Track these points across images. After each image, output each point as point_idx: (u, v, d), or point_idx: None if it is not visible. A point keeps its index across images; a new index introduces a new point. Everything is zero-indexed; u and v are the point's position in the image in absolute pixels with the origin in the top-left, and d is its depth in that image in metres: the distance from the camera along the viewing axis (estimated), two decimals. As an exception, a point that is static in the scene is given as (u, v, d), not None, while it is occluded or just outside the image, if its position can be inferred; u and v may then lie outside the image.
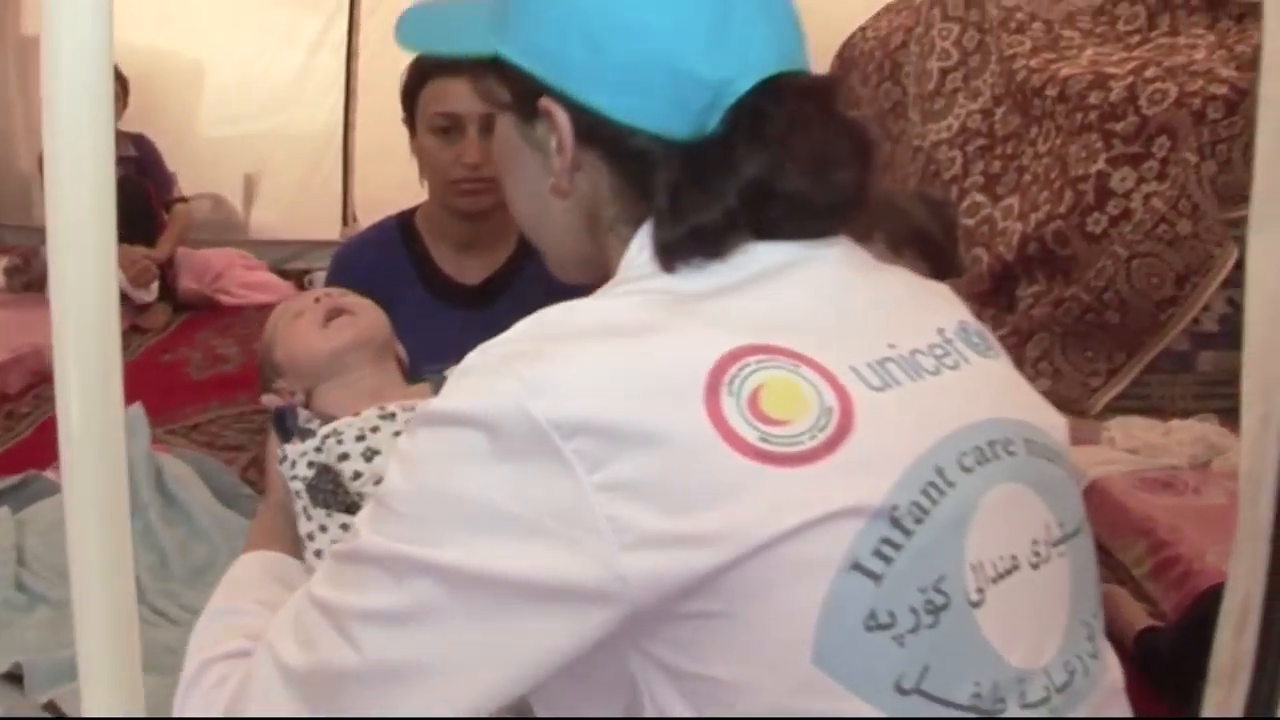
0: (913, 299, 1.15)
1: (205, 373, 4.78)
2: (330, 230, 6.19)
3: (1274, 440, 0.88)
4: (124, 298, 5.04)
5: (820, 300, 1.05)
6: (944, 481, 0.96)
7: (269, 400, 1.77)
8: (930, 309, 1.14)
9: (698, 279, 1.05)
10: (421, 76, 2.28)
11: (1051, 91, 3.66)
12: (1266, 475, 0.89)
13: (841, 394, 0.96)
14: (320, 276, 5.75)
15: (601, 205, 1.13)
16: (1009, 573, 0.98)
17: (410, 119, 2.34)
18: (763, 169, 1.04)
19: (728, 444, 0.90)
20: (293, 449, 1.57)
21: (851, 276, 1.10)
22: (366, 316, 1.81)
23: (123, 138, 5.05)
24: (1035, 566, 1.01)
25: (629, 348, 0.95)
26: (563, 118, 1.09)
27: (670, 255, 1.05)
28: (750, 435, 0.91)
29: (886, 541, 0.92)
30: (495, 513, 0.92)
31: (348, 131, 6.26)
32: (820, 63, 4.92)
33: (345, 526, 1.47)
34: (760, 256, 1.06)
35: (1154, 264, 3.42)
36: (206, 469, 2.86)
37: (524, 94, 1.13)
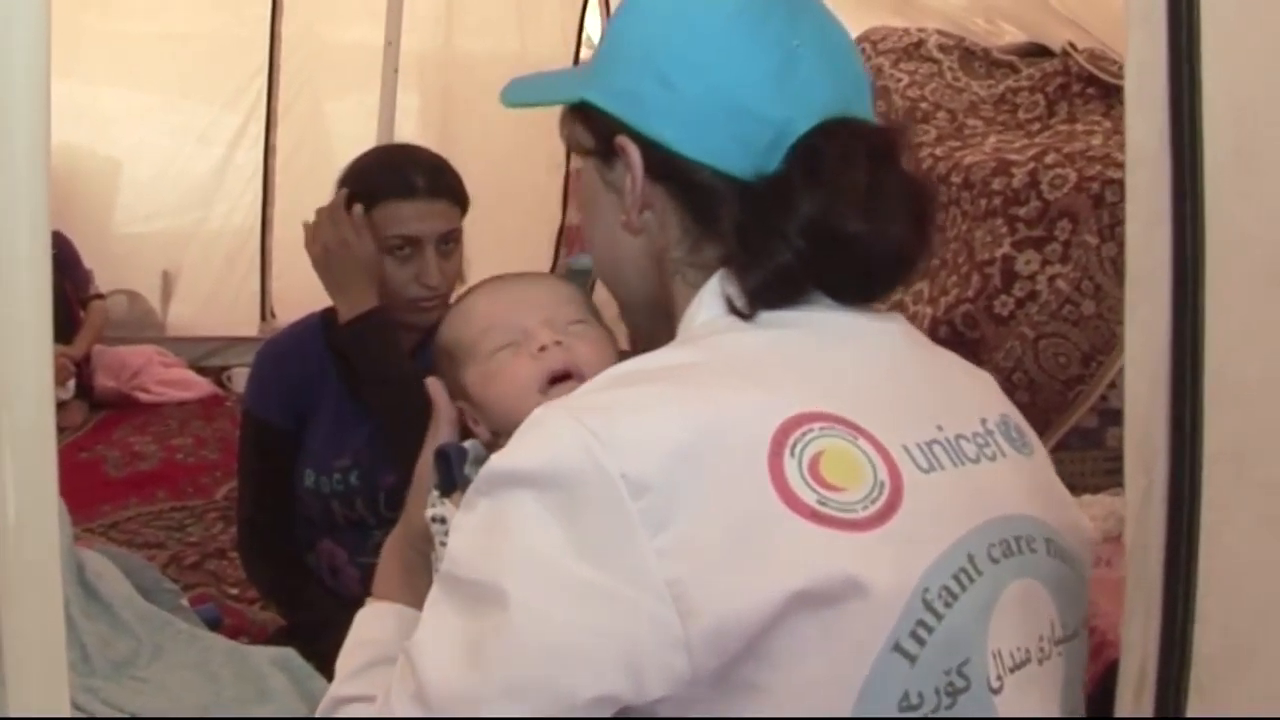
0: (961, 383, 1.19)
1: (123, 470, 4.73)
2: (249, 327, 6.14)
3: (1158, 509, 0.92)
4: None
5: (879, 374, 1.09)
6: (974, 569, 1.01)
7: (445, 413, 1.39)
8: (976, 396, 1.19)
9: (766, 336, 1.08)
10: (370, 196, 2.27)
11: (957, 179, 3.73)
12: (1153, 545, 0.93)
13: (893, 470, 0.99)
14: (239, 373, 5.74)
15: (669, 246, 1.18)
16: (1022, 665, 1.03)
17: None
18: (819, 209, 1.08)
19: (787, 505, 0.93)
20: (440, 507, 1.29)
21: (908, 353, 1.15)
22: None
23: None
24: (1040, 662, 1.06)
25: (699, 406, 0.97)
26: (635, 152, 1.15)
27: (752, 300, 1.09)
28: (809, 497, 0.94)
29: (921, 624, 0.95)
30: (563, 575, 0.92)
31: (265, 228, 6.20)
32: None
33: None
34: (827, 321, 1.11)
35: (1060, 344, 3.48)
36: (128, 564, 2.83)
37: (603, 134, 1.19)
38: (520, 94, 1.36)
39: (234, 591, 3.56)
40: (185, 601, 2.77)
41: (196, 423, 5.41)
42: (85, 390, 5.42)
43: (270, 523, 2.49)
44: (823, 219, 1.08)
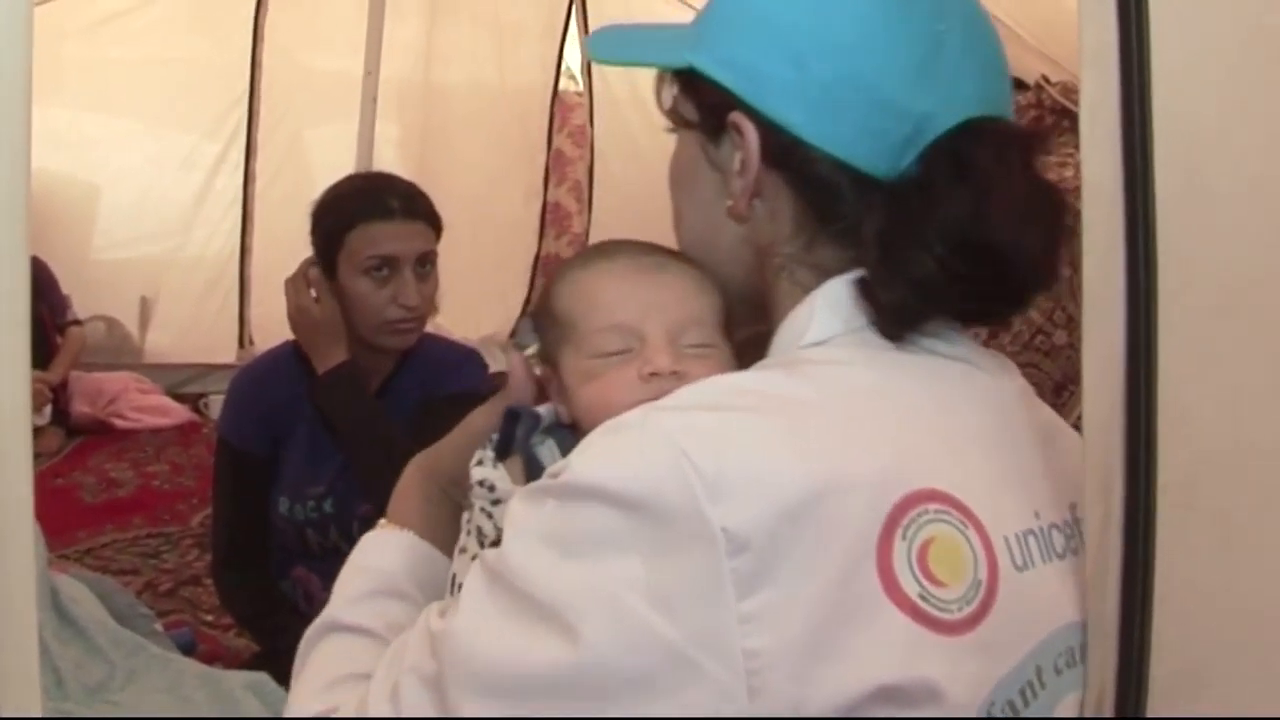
0: (1061, 462, 1.06)
1: (99, 497, 4.73)
2: (227, 354, 6.13)
3: (1115, 537, 0.93)
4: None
5: (991, 440, 1.00)
6: (1039, 682, 0.94)
7: (520, 383, 1.27)
8: (1070, 475, 1.03)
9: (886, 376, 0.98)
10: (347, 221, 2.30)
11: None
12: (1110, 573, 0.94)
13: (991, 567, 0.91)
14: (216, 400, 5.72)
15: (779, 241, 1.07)
16: None
17: (327, 261, 2.34)
18: (967, 215, 0.98)
19: (888, 594, 0.85)
20: (491, 471, 1.18)
21: (1020, 415, 1.06)
22: None
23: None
24: None
25: (818, 462, 0.87)
26: (752, 134, 1.04)
27: (891, 318, 1.00)
28: (911, 589, 0.86)
29: None
30: (635, 622, 0.84)
31: (244, 255, 6.22)
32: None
33: None
34: (945, 365, 1.02)
35: (1033, 374, 3.50)
36: (102, 589, 2.83)
37: (713, 108, 1.08)
38: (613, 49, 1.25)
39: (209, 618, 3.57)
40: (159, 626, 2.77)
41: (173, 449, 5.41)
42: (61, 416, 5.43)
43: (245, 549, 2.50)
44: (972, 227, 0.98)
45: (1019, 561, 0.94)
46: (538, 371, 1.26)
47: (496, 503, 1.14)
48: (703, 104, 1.10)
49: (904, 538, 0.87)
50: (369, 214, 2.30)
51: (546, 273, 7.52)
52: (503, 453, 1.19)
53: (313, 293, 2.32)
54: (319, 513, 2.41)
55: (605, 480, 0.86)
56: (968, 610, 0.88)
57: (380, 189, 2.40)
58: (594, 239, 6.64)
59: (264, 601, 2.50)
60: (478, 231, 6.59)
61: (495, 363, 6.73)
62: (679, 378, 1.08)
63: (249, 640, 2.92)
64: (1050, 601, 0.96)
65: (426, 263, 2.35)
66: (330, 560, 2.42)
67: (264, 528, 2.47)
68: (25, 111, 0.90)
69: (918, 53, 1.00)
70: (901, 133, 1.00)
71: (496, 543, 1.00)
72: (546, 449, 1.18)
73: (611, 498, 0.85)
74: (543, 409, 1.21)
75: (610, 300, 1.14)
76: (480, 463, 1.19)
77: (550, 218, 7.37)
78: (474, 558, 1.09)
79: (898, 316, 1.00)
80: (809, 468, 0.86)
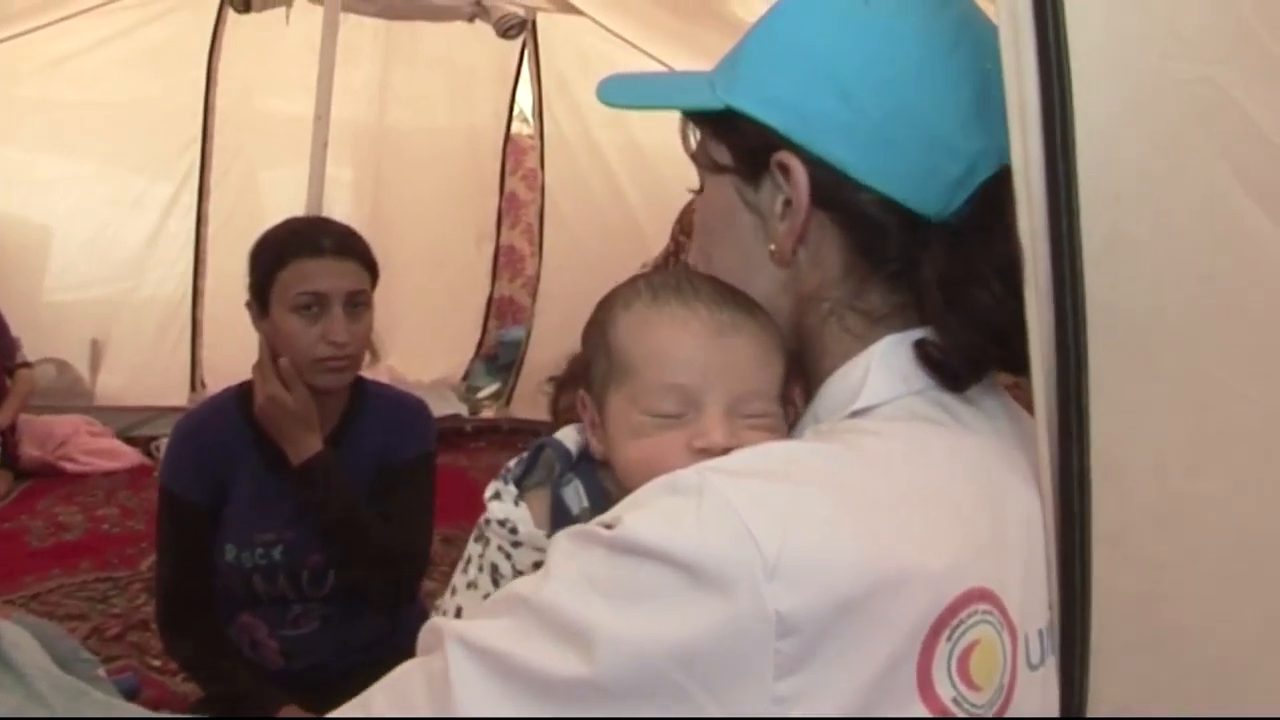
0: None
1: (46, 541, 4.69)
2: (179, 396, 6.11)
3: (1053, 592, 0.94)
4: (-38, 466, 4.96)
5: (1025, 528, 0.95)
6: None
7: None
8: None
9: (947, 448, 0.95)
10: (279, 259, 2.31)
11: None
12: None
13: (1014, 669, 0.89)
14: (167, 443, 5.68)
15: (825, 285, 1.04)
16: None
17: (261, 301, 2.35)
18: (1016, 253, 0.92)
19: (921, 695, 0.83)
20: (513, 509, 1.14)
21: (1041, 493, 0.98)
22: None
23: (-36, 303, 4.99)
24: None
25: (881, 555, 0.83)
26: (801, 173, 0.99)
27: (960, 369, 0.97)
28: (946, 694, 0.84)
29: None
30: (660, 678, 0.80)
31: (197, 297, 6.21)
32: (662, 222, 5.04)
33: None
34: (984, 425, 0.99)
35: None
36: (45, 634, 2.79)
37: (753, 150, 1.03)
38: (630, 94, 1.19)
39: (156, 662, 3.54)
40: (102, 672, 2.74)
41: (124, 493, 5.37)
42: (10, 460, 5.39)
43: (189, 597, 2.46)
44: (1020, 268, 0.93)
45: (1034, 660, 0.92)
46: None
47: (517, 545, 1.11)
48: (741, 146, 1.06)
49: (949, 639, 0.84)
50: (300, 251, 2.31)
51: (499, 315, 7.54)
52: (523, 482, 1.16)
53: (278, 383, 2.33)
54: (268, 560, 2.39)
55: (661, 542, 0.82)
56: (989, 713, 0.87)
57: (314, 228, 2.43)
58: (546, 282, 6.67)
59: (210, 648, 2.46)
60: (430, 274, 6.63)
61: (447, 406, 6.74)
62: (730, 451, 0.99)
63: (195, 685, 2.90)
64: (1043, 703, 0.94)
65: (358, 302, 2.36)
66: (276, 607, 2.44)
67: (209, 575, 2.44)
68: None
69: (970, 90, 0.98)
70: (955, 172, 0.97)
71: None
72: (572, 490, 1.14)
73: (666, 559, 0.81)
74: (567, 439, 1.18)
75: (677, 360, 1.06)
76: (498, 496, 1.15)
77: (504, 260, 7.42)
78: (485, 596, 1.08)
79: (964, 363, 0.98)
80: (869, 558, 0.82)
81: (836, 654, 0.80)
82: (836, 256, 1.02)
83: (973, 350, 0.97)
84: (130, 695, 2.71)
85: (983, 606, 0.86)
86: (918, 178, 0.97)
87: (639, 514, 0.85)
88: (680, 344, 1.06)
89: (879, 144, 0.97)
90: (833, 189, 0.99)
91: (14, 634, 2.66)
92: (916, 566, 0.84)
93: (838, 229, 1.01)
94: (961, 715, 0.84)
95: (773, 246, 1.04)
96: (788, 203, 1.01)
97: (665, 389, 1.06)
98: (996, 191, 0.95)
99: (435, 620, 0.95)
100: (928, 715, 0.83)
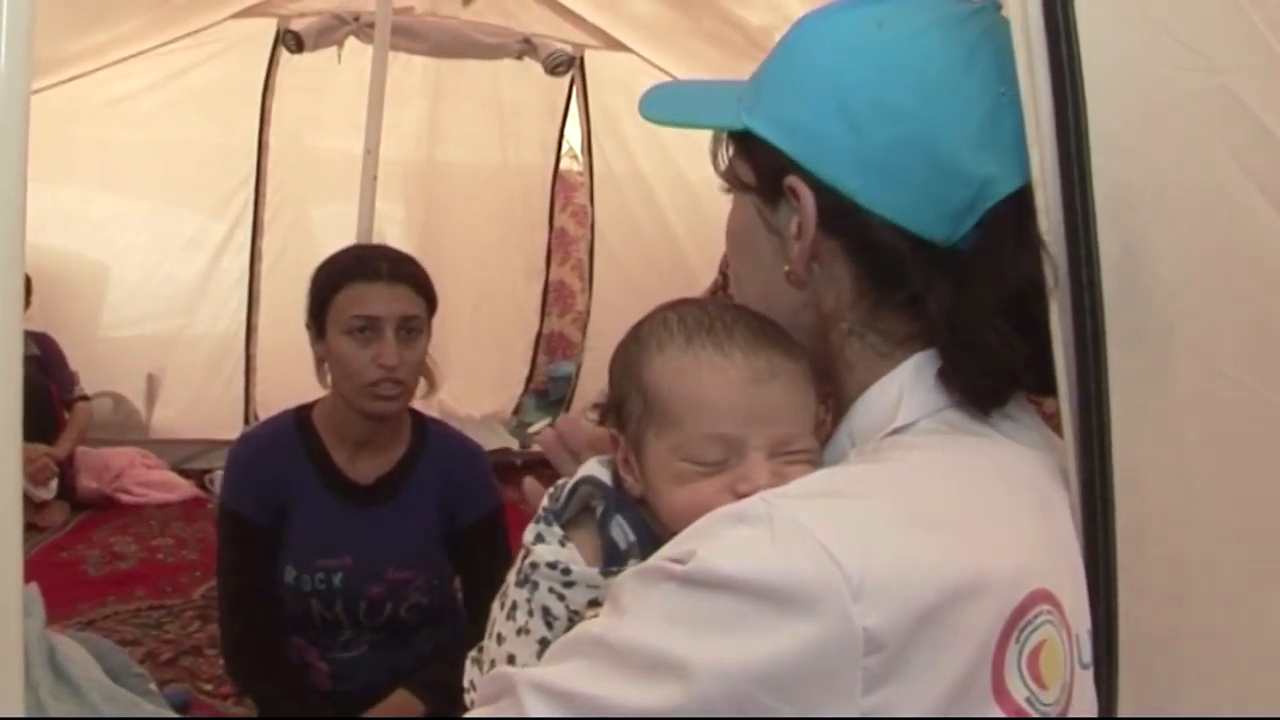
0: None
1: (102, 570, 4.74)
2: (232, 430, 6.09)
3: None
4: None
5: (1071, 532, 0.96)
6: None
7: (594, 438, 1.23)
8: None
9: (997, 456, 0.96)
10: (336, 282, 2.36)
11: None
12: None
13: (1072, 669, 0.90)
14: (221, 476, 5.70)
15: (841, 307, 1.04)
16: None
17: (319, 323, 2.39)
18: (1025, 286, 0.94)
19: (996, 698, 0.84)
20: (561, 550, 1.11)
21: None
22: None
23: (25, 336, 5.00)
24: None
25: (957, 563, 0.84)
26: (808, 198, 1.00)
27: (978, 400, 0.97)
28: (1019, 694, 0.84)
29: None
30: (744, 694, 0.80)
31: (250, 333, 6.27)
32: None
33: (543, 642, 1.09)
34: (1022, 436, 1.00)
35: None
36: (98, 649, 2.84)
37: (769, 172, 1.04)
38: (666, 109, 1.18)
39: (208, 687, 3.58)
40: (154, 686, 2.78)
41: (177, 524, 5.42)
42: (68, 491, 5.43)
43: (251, 618, 2.46)
44: (1031, 297, 0.95)
45: (1085, 660, 0.93)
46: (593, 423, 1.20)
47: (570, 584, 1.08)
48: (758, 167, 1.06)
49: (1017, 640, 0.84)
50: (355, 275, 2.35)
51: (549, 350, 7.57)
52: (556, 514, 1.14)
53: None
54: (327, 585, 2.41)
55: (741, 572, 0.81)
56: (1056, 711, 0.87)
57: (372, 254, 2.48)
58: (596, 317, 6.73)
59: (274, 671, 2.45)
60: (480, 309, 6.66)
61: (497, 439, 6.74)
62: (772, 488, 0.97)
63: (247, 708, 2.92)
64: (1089, 704, 0.94)
65: (412, 327, 2.39)
66: (329, 632, 2.46)
67: (270, 595, 2.44)
68: (20, 193, 0.94)
69: (979, 114, 0.97)
70: (962, 198, 0.96)
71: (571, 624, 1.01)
72: (617, 526, 1.11)
73: (746, 588, 0.81)
74: (601, 475, 1.16)
75: (718, 411, 1.04)
76: (541, 539, 1.13)
77: (553, 296, 7.45)
78: (540, 640, 1.07)
79: (979, 397, 0.98)
80: (944, 568, 0.83)
81: (919, 665, 0.81)
82: (848, 281, 1.02)
83: (984, 389, 0.98)
84: (180, 708, 2.75)
85: (1046, 607, 0.87)
86: (925, 204, 0.97)
87: (712, 545, 0.84)
88: (720, 395, 1.04)
89: (884, 171, 0.97)
90: (840, 215, 0.99)
91: (68, 648, 2.71)
92: (987, 572, 0.84)
93: (846, 255, 1.01)
94: (1035, 715, 0.85)
95: (787, 267, 1.04)
96: (800, 226, 1.02)
97: (707, 439, 1.04)
98: (1006, 216, 0.96)
99: (502, 669, 0.95)
100: (1004, 717, 0.83)
